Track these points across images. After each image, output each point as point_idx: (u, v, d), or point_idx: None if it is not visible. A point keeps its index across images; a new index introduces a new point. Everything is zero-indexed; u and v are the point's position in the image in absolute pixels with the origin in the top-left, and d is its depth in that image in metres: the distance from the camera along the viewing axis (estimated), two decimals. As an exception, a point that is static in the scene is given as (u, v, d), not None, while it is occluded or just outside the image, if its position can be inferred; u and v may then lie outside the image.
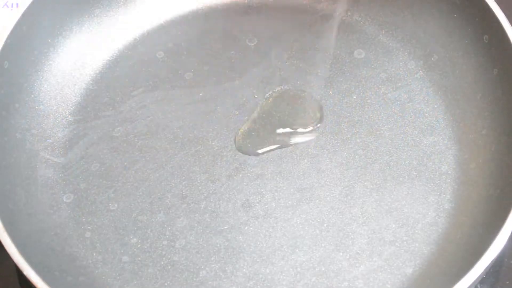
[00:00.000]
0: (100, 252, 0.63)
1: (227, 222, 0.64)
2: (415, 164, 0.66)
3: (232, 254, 0.63)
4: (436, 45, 0.72)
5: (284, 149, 0.68)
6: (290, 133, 0.69)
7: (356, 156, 0.67)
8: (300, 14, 0.76)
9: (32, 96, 0.70)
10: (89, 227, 0.64)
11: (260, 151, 0.68)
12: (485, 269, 0.55)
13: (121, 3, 0.75)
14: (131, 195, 0.66)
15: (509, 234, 0.56)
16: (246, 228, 0.64)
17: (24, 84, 0.69)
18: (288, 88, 0.71)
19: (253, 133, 0.69)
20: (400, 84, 0.71)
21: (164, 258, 0.63)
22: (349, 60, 0.73)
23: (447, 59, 0.71)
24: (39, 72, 0.70)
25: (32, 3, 0.68)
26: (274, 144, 0.68)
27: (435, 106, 0.70)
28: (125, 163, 0.68)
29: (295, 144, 0.68)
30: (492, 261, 0.56)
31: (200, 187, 0.66)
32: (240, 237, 0.64)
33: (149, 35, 0.75)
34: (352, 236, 0.63)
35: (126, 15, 0.75)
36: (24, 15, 0.67)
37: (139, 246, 0.63)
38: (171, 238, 0.64)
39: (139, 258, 0.63)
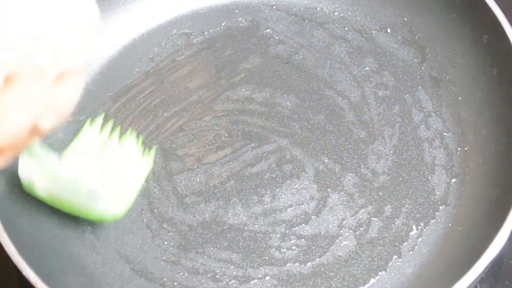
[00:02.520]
0: (100, 252, 0.63)
1: (226, 222, 0.64)
2: (414, 164, 0.66)
3: (232, 253, 0.63)
4: (436, 45, 0.72)
5: (283, 146, 0.68)
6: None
7: (356, 156, 0.67)
8: (300, 14, 0.76)
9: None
10: (89, 227, 0.64)
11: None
12: (484, 269, 0.55)
13: (121, 3, 0.75)
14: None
15: (508, 234, 0.56)
16: (245, 228, 0.64)
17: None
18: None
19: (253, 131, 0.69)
20: (400, 84, 0.71)
21: (164, 258, 0.63)
22: (350, 60, 0.73)
23: (447, 59, 0.71)
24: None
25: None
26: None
27: (435, 106, 0.69)
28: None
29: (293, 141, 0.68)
30: (492, 261, 0.56)
31: (199, 187, 0.66)
32: (239, 237, 0.64)
33: (149, 35, 0.75)
34: (351, 237, 0.63)
35: (126, 15, 0.75)
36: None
37: (138, 246, 0.63)
38: (171, 238, 0.64)
39: (139, 258, 0.63)
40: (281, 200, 0.65)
